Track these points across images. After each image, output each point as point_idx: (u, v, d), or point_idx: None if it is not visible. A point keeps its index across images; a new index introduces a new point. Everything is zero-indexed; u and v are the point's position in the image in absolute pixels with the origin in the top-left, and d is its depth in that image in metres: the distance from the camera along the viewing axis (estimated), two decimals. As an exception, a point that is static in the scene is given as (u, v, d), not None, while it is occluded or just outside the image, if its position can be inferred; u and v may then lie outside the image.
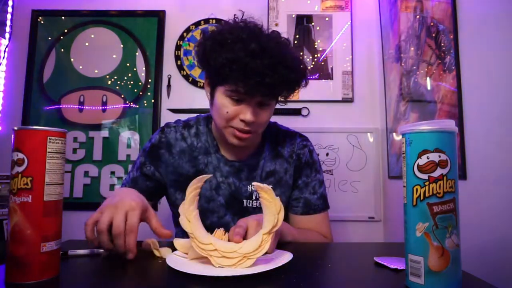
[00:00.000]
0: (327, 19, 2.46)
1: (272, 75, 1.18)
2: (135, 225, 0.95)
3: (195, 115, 1.56)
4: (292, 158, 1.48)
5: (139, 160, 1.47)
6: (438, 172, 0.69)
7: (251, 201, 1.41)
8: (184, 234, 0.92)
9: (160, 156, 1.44)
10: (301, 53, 2.44)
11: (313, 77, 2.43)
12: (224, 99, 1.27)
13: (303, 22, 2.47)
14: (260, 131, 1.36)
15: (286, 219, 1.48)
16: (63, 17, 2.52)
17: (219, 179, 1.42)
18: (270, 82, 1.18)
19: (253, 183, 0.92)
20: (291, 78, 1.24)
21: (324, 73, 2.43)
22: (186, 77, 2.47)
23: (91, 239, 0.97)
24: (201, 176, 0.92)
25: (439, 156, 0.69)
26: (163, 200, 1.54)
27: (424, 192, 0.69)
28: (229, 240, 0.98)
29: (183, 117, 1.58)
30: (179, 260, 0.92)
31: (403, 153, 0.74)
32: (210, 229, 1.39)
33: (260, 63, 1.16)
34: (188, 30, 2.50)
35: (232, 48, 1.19)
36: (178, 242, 1.02)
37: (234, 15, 1.34)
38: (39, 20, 2.50)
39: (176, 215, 1.48)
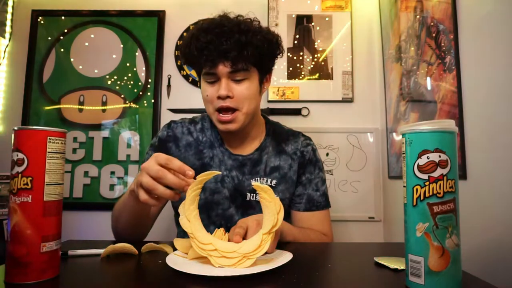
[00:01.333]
0: (327, 19, 2.46)
1: (226, 42, 1.24)
2: (168, 157, 0.97)
3: (195, 115, 1.58)
4: (296, 154, 1.50)
5: (149, 154, 1.49)
6: (438, 172, 0.69)
7: (254, 195, 1.42)
8: (185, 234, 0.92)
9: (168, 150, 1.47)
10: (301, 53, 2.44)
11: (313, 77, 2.43)
12: (203, 85, 1.35)
13: (303, 22, 2.47)
14: (244, 111, 1.34)
15: (288, 216, 1.49)
16: (63, 17, 2.51)
17: (223, 172, 1.44)
18: (226, 48, 1.24)
19: (252, 183, 0.93)
20: (244, 41, 1.26)
21: (324, 73, 2.43)
22: (186, 77, 2.47)
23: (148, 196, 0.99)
24: (200, 179, 0.92)
25: (439, 156, 0.69)
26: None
27: (424, 192, 0.69)
28: (229, 240, 0.98)
29: (183, 117, 1.59)
30: (178, 260, 0.92)
31: (403, 153, 0.74)
32: (214, 221, 1.40)
33: (212, 35, 1.26)
34: (188, 30, 2.50)
35: (193, 34, 1.32)
36: (178, 242, 1.03)
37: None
38: (39, 20, 2.50)
39: (178, 213, 1.49)
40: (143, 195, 0.98)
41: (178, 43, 2.49)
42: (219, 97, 1.30)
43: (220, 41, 1.24)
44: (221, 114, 1.32)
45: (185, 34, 2.49)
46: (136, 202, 1.11)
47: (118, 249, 1.00)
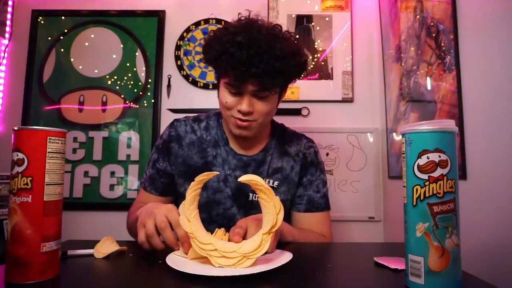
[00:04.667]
0: (327, 19, 2.46)
1: (258, 65, 1.21)
2: (177, 220, 0.96)
3: (195, 115, 1.58)
4: (299, 156, 1.51)
5: (153, 157, 1.51)
6: (438, 172, 0.69)
7: (256, 195, 1.41)
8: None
9: (171, 149, 1.48)
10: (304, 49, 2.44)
11: (313, 77, 2.43)
12: (224, 91, 1.33)
13: (303, 22, 2.47)
14: (260, 122, 1.35)
15: (288, 217, 1.50)
16: (63, 17, 2.51)
17: (227, 172, 1.44)
18: (257, 72, 1.21)
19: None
20: (278, 68, 1.23)
21: (324, 73, 2.43)
22: (186, 77, 2.46)
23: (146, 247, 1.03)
24: (200, 179, 0.92)
25: (439, 156, 0.69)
26: None
27: (424, 192, 0.69)
28: (229, 240, 0.98)
29: (183, 116, 1.59)
30: (179, 259, 0.92)
31: (403, 153, 0.74)
32: (215, 220, 1.40)
33: (245, 54, 1.20)
34: (188, 30, 2.50)
35: (222, 41, 1.25)
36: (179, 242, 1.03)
37: (239, 13, 1.38)
38: (39, 20, 2.50)
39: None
40: (141, 237, 1.02)
41: (178, 43, 2.49)
42: (239, 111, 1.30)
43: (253, 63, 1.21)
44: (239, 121, 1.32)
45: (185, 34, 2.49)
46: None
47: (107, 250, 1.01)
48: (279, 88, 1.34)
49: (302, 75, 1.45)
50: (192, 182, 0.92)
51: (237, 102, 1.30)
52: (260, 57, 1.21)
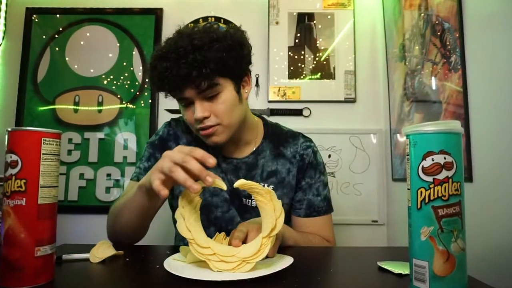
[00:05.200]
0: (329, 17, 2.47)
1: (183, 64, 1.19)
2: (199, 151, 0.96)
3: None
4: (296, 158, 1.47)
5: (147, 152, 1.48)
6: (443, 174, 0.69)
7: (249, 200, 1.40)
8: (183, 238, 0.92)
9: (169, 148, 1.42)
10: (302, 52, 2.44)
11: (315, 77, 2.43)
12: (180, 108, 1.34)
13: (304, 20, 2.48)
14: (226, 123, 1.30)
15: (289, 222, 1.48)
16: (57, 15, 2.52)
17: (220, 175, 1.41)
18: (185, 71, 1.19)
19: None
20: (201, 58, 1.19)
21: (326, 72, 2.43)
22: (184, 76, 2.46)
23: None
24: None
25: (445, 158, 0.69)
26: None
27: (429, 195, 0.69)
28: (229, 244, 0.98)
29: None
30: (176, 264, 0.92)
31: (407, 155, 0.74)
32: (214, 223, 1.40)
33: (170, 60, 1.20)
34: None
35: (151, 63, 1.28)
36: (184, 249, 1.02)
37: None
38: (33, 18, 2.51)
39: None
40: (157, 182, 0.95)
41: (176, 42, 2.49)
42: (196, 120, 1.27)
43: (177, 66, 1.20)
44: (202, 130, 1.29)
45: (183, 32, 2.49)
46: (144, 197, 1.11)
47: (102, 254, 1.00)
48: (223, 80, 1.28)
49: (247, 56, 1.35)
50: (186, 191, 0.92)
51: (192, 113, 1.28)
52: (182, 57, 1.20)
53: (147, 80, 2.47)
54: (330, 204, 1.50)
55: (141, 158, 1.49)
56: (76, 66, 2.48)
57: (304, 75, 2.43)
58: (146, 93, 2.46)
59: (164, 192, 0.93)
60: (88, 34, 2.52)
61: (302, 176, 1.47)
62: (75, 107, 2.45)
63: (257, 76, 2.43)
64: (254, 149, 1.46)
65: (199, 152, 0.95)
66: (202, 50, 1.20)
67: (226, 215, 1.42)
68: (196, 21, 2.49)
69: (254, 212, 1.38)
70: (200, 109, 1.25)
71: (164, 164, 0.95)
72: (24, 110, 2.43)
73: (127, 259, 1.02)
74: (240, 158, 1.44)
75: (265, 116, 1.60)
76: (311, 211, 1.45)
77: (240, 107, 1.36)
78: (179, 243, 1.48)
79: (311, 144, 1.52)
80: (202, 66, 1.20)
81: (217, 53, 1.22)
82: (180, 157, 0.94)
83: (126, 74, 2.48)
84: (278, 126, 1.57)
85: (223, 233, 1.06)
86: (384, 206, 2.35)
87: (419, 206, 0.70)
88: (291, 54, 2.45)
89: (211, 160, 0.94)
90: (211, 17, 2.50)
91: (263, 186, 1.38)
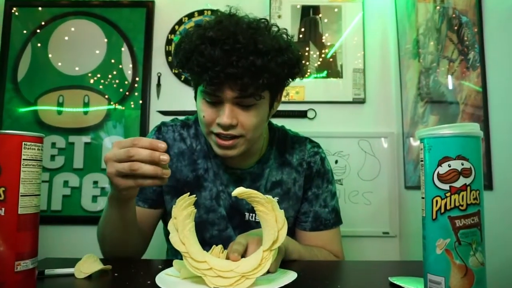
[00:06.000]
0: (336, 10, 2.47)
1: (236, 63, 1.12)
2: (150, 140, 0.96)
3: (189, 116, 1.54)
4: (302, 166, 1.46)
5: None
6: (460, 181, 0.69)
7: (253, 214, 1.39)
8: (177, 251, 0.91)
9: None
10: (307, 49, 2.44)
11: (321, 75, 2.43)
12: (201, 102, 1.26)
13: (309, 14, 2.48)
14: (249, 137, 1.26)
15: (293, 235, 1.46)
16: (40, 8, 2.52)
17: (219, 188, 1.40)
18: (236, 72, 1.12)
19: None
20: (261, 66, 1.13)
21: (333, 70, 2.44)
22: (178, 75, 2.47)
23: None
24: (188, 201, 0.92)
25: (462, 164, 0.69)
26: None
27: (445, 204, 0.69)
28: (227, 259, 0.98)
29: (175, 117, 1.56)
30: (170, 279, 0.92)
31: (422, 161, 0.74)
32: (209, 243, 1.39)
33: (219, 50, 1.12)
34: (180, 22, 2.51)
35: (192, 39, 1.18)
36: (177, 263, 1.02)
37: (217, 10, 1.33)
38: (13, 11, 2.51)
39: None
40: (121, 181, 0.97)
41: (169, 37, 2.49)
42: (219, 124, 1.20)
43: (230, 62, 1.11)
44: (219, 139, 1.23)
45: (177, 27, 2.50)
46: (117, 207, 1.12)
47: (89, 269, 1.00)
48: (266, 92, 1.24)
49: (298, 77, 1.33)
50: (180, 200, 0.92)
51: (216, 114, 1.21)
52: (238, 54, 1.12)
53: (137, 79, 2.47)
54: (339, 216, 1.49)
55: None
56: (60, 64, 2.48)
57: (308, 73, 2.43)
58: (136, 93, 2.46)
59: (132, 184, 0.97)
60: (72, 29, 2.52)
61: (309, 186, 1.46)
62: (58, 109, 2.45)
63: (257, 74, 2.42)
64: (259, 158, 1.44)
65: (145, 141, 0.95)
66: (265, 57, 1.14)
67: (223, 234, 1.40)
68: (191, 15, 2.50)
69: (258, 227, 1.36)
70: (229, 115, 1.18)
71: (111, 169, 0.96)
72: (2, 111, 2.43)
73: (116, 274, 1.02)
74: (245, 169, 1.42)
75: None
76: (317, 224, 1.43)
77: (265, 123, 1.35)
78: (172, 256, 1.47)
79: (319, 150, 1.51)
80: (259, 75, 1.15)
81: (278, 67, 1.18)
82: (124, 152, 0.94)
83: (115, 73, 2.48)
84: (283, 130, 1.55)
85: (220, 246, 1.05)
86: (396, 216, 2.35)
87: (434, 217, 0.70)
88: (295, 51, 2.44)
89: (162, 145, 0.95)
90: (207, 10, 2.50)
91: None
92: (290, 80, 1.31)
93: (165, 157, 0.93)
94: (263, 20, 1.26)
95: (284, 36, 1.28)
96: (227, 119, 1.18)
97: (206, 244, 1.38)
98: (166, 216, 1.48)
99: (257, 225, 1.37)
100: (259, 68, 1.13)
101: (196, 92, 1.30)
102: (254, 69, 1.13)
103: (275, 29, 1.28)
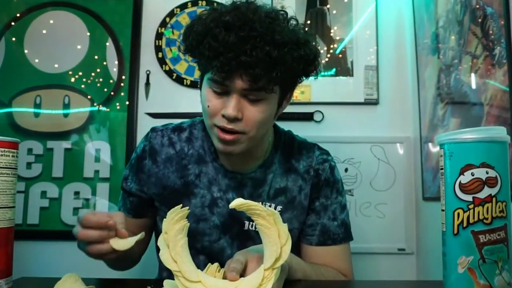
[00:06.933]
0: (346, 0, 2.47)
1: (250, 52, 1.13)
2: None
3: (183, 120, 1.56)
4: (309, 174, 1.46)
5: (124, 173, 1.52)
6: (485, 192, 0.69)
7: (254, 223, 1.38)
8: (167, 270, 0.91)
9: (143, 167, 1.45)
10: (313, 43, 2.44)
11: (329, 73, 2.43)
12: (206, 91, 1.28)
13: (315, 5, 2.48)
14: (252, 135, 1.27)
15: (297, 250, 1.46)
16: (15, -2, 2.53)
17: (215, 195, 1.41)
18: (249, 61, 1.13)
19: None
20: (276, 58, 1.15)
21: (342, 68, 2.44)
22: (169, 73, 2.47)
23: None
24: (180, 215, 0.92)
25: (487, 173, 0.69)
26: None
27: (468, 217, 0.69)
28: (224, 278, 0.98)
29: (165, 122, 1.58)
30: (160, 302, 0.92)
31: (442, 169, 0.74)
32: (200, 251, 1.40)
33: (234, 36, 1.14)
34: (171, 14, 2.50)
35: (206, 22, 1.20)
36: (168, 282, 1.02)
37: None
38: (-15, 2, 2.51)
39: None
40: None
41: (159, 31, 2.49)
42: (224, 116, 1.22)
43: (244, 49, 1.13)
44: (221, 132, 1.24)
45: (168, 19, 2.50)
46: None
47: None
48: (277, 87, 1.26)
49: (312, 76, 1.37)
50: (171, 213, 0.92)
51: (222, 105, 1.23)
52: (253, 42, 1.14)
53: (123, 77, 2.47)
54: (349, 231, 1.49)
55: (122, 184, 1.52)
56: (37, 61, 2.48)
57: (312, 76, 2.42)
58: (122, 93, 2.46)
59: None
60: (51, 22, 2.52)
61: (316, 195, 1.46)
62: (35, 110, 2.45)
63: (258, 72, 2.42)
64: (263, 161, 1.45)
65: (91, 219, 1.02)
66: (282, 49, 1.16)
67: (214, 245, 1.41)
68: (183, 6, 2.50)
69: (258, 239, 1.37)
70: (235, 107, 1.20)
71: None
72: (-27, 113, 2.44)
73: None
74: (246, 173, 1.43)
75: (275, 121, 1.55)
76: (325, 238, 1.43)
77: (271, 123, 1.37)
78: (162, 275, 1.47)
79: (328, 158, 1.52)
80: (273, 67, 1.17)
81: (294, 61, 1.20)
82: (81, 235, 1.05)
83: (98, 70, 2.48)
84: (290, 135, 1.56)
85: (216, 264, 1.05)
86: (412, 231, 2.35)
87: (455, 231, 0.71)
88: (300, 46, 2.45)
89: (110, 221, 1.02)
90: (202, 0, 2.50)
91: (270, 206, 1.38)
92: (304, 78, 1.35)
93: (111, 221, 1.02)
94: (282, 12, 1.29)
95: (302, 31, 1.30)
96: (233, 111, 1.19)
97: (198, 253, 1.40)
98: (157, 228, 1.51)
99: (257, 235, 1.36)
100: (274, 59, 1.15)
101: (202, 81, 1.33)
102: (269, 60, 1.14)
103: (294, 22, 1.30)
